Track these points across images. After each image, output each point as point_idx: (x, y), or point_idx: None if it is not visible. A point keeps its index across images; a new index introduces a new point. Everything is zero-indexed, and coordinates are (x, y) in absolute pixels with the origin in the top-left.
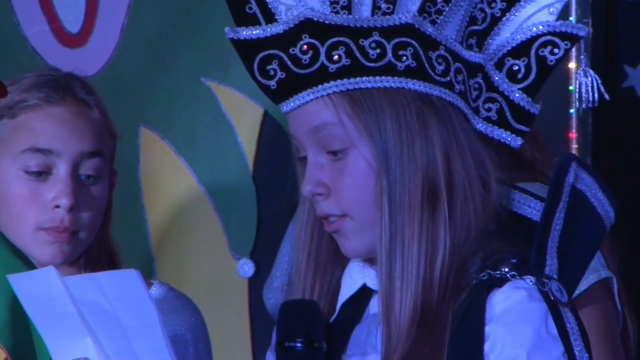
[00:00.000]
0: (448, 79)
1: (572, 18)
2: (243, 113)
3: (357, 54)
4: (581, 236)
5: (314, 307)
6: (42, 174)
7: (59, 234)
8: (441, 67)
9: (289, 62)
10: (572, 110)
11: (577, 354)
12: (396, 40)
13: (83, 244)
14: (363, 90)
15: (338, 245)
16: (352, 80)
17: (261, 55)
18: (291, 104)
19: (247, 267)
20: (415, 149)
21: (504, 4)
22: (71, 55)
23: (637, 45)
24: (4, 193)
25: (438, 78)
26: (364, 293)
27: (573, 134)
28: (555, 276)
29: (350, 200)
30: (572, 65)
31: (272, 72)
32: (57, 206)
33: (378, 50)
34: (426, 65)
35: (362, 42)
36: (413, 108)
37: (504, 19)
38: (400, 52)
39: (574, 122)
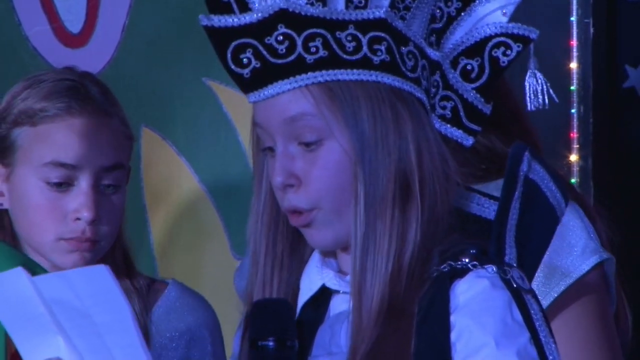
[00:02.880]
0: (416, 75)
1: (573, 18)
2: (244, 113)
3: (334, 46)
4: (536, 226)
5: (286, 305)
6: (63, 185)
7: (81, 244)
8: (411, 63)
9: (264, 52)
10: (573, 110)
11: (542, 339)
12: (371, 34)
13: (103, 250)
14: (340, 82)
15: (296, 239)
16: (330, 72)
17: (235, 43)
18: (265, 93)
19: None
20: (389, 142)
21: (459, 3)
22: (72, 55)
23: (638, 45)
24: (23, 202)
25: (409, 74)
26: (324, 294)
27: (574, 134)
28: (514, 264)
29: (321, 192)
30: (573, 65)
31: (245, 61)
32: (78, 218)
33: (354, 44)
34: (399, 60)
35: (339, 34)
36: (387, 102)
37: (459, 18)
38: (376, 47)
39: (575, 122)
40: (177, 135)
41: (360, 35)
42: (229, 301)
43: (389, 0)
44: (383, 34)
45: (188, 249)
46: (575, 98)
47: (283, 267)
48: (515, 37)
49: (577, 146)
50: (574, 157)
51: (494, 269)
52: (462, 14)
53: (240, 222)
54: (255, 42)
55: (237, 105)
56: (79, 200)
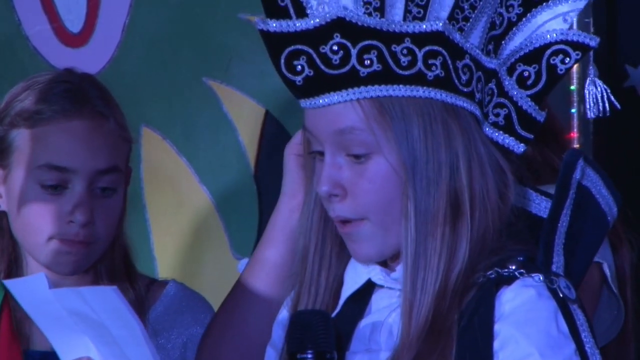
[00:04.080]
0: (471, 88)
1: None
2: (244, 113)
3: (389, 60)
4: (586, 232)
5: (324, 317)
6: (58, 187)
7: (74, 245)
8: (465, 77)
9: (318, 61)
10: (573, 110)
11: (588, 350)
12: (427, 48)
13: (97, 253)
14: (392, 98)
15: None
16: (382, 87)
17: (289, 49)
18: (316, 102)
19: None
20: (440, 160)
21: (521, 8)
22: (72, 55)
23: (638, 44)
24: (19, 203)
25: (462, 88)
26: (367, 288)
27: (574, 134)
28: (562, 273)
29: (367, 204)
30: None
31: (299, 68)
32: (72, 221)
33: (409, 58)
34: (453, 75)
35: (395, 47)
36: (439, 119)
37: (519, 24)
38: (431, 61)
39: (575, 122)
40: (177, 135)
41: (416, 49)
42: None
43: (447, 11)
44: (439, 48)
45: (188, 248)
46: (575, 98)
47: (331, 267)
48: (575, 45)
49: (577, 146)
50: None
51: (541, 278)
52: (523, 19)
53: (241, 221)
54: (309, 50)
55: (237, 105)
56: (72, 203)
